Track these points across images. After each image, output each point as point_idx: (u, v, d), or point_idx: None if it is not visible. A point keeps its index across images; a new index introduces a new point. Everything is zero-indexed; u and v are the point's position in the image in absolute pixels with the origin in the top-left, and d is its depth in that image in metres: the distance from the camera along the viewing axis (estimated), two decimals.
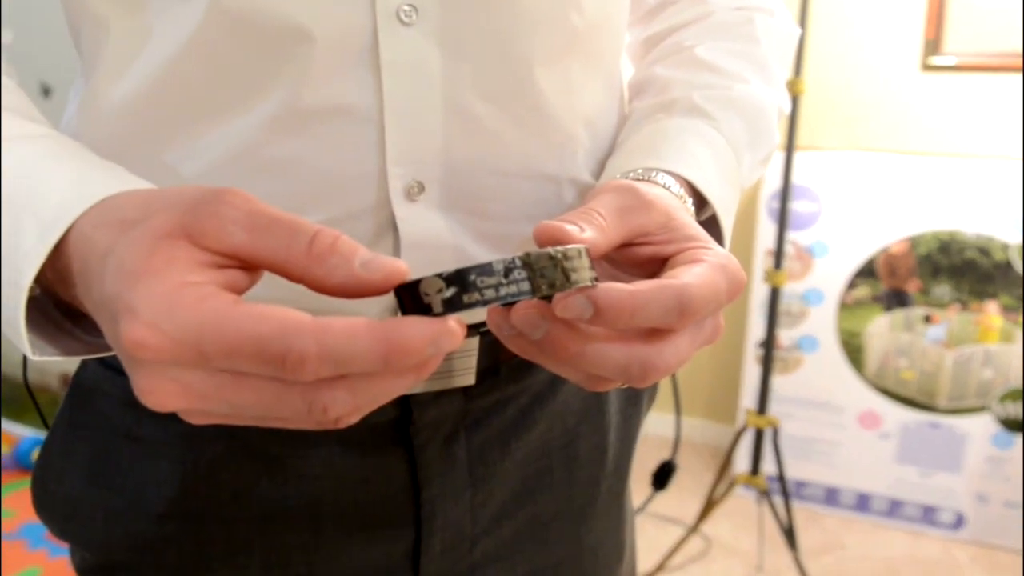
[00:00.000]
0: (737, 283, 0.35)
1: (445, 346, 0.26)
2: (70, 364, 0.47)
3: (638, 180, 0.42)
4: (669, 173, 0.43)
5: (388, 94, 0.40)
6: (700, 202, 0.45)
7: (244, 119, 0.40)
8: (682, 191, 0.42)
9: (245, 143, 0.40)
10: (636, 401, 0.61)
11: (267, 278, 0.29)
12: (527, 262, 0.28)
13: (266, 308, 0.26)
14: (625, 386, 0.37)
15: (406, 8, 0.39)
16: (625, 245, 0.37)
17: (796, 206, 2.07)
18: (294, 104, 0.40)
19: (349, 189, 0.42)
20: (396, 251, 0.43)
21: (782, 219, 1.80)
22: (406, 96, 0.41)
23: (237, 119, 0.40)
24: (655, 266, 0.37)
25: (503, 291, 0.28)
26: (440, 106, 0.41)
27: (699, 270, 0.34)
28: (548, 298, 0.32)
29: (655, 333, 0.33)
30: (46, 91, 2.35)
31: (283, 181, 0.41)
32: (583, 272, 0.30)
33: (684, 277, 0.33)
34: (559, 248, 0.30)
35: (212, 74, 0.40)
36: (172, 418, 0.42)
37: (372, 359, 0.25)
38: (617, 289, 0.31)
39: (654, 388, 0.63)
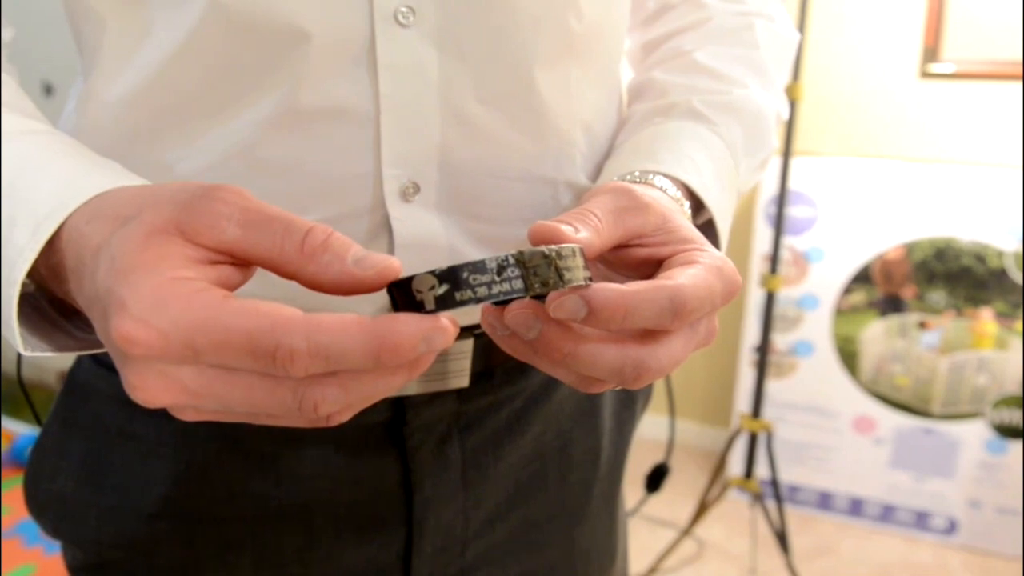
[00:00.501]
0: (732, 285, 0.35)
1: (437, 343, 0.26)
2: (67, 361, 0.47)
3: (635, 183, 0.41)
4: (666, 176, 0.43)
5: (385, 95, 0.40)
6: (697, 206, 0.45)
7: (241, 119, 0.40)
8: (679, 194, 0.42)
9: (241, 142, 0.40)
10: (630, 404, 0.61)
11: (260, 275, 0.29)
12: (520, 260, 0.28)
13: (257, 303, 0.25)
14: (619, 388, 0.37)
15: (403, 10, 0.39)
16: (620, 247, 0.37)
17: (793, 211, 2.07)
18: (291, 104, 0.40)
19: (344, 189, 0.41)
20: (390, 251, 0.43)
21: (778, 224, 1.80)
22: (403, 97, 0.40)
23: (234, 118, 0.40)
24: (650, 268, 0.37)
25: (496, 289, 0.28)
26: (437, 108, 0.41)
27: (694, 271, 0.34)
28: (541, 297, 0.32)
29: (649, 334, 0.33)
30: (48, 89, 2.34)
31: (279, 181, 0.41)
32: (577, 272, 0.30)
33: (679, 278, 0.33)
34: (553, 247, 0.30)
35: (209, 73, 0.40)
36: (165, 417, 0.42)
37: (363, 356, 0.25)
38: (611, 289, 0.31)
39: (648, 391, 0.62)
